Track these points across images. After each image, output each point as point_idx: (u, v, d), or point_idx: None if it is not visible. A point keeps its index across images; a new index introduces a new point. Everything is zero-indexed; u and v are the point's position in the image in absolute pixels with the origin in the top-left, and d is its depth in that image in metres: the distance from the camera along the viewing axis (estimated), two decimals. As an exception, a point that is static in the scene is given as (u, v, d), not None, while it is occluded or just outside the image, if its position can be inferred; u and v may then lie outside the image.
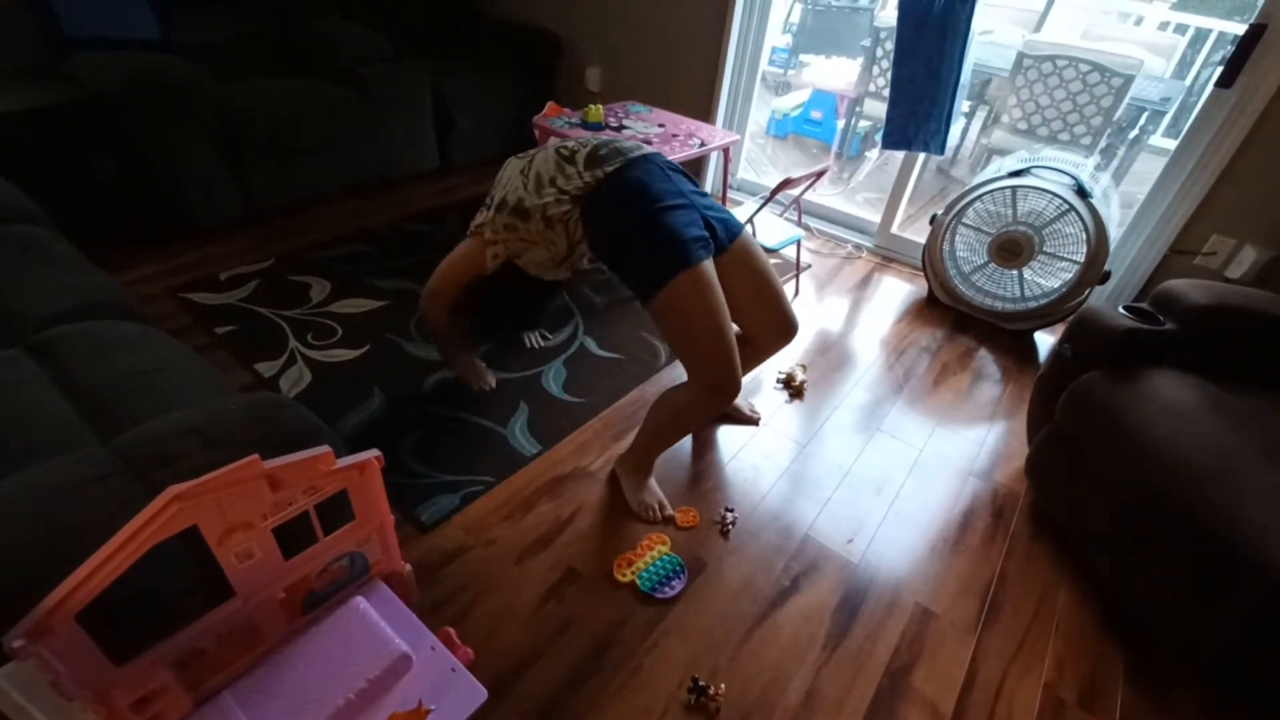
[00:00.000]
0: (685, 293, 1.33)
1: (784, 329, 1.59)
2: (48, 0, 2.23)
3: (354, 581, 0.94)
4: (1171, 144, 2.43)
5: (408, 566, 1.00)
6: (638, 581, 1.40)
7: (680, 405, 1.46)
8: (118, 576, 0.64)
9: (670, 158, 2.34)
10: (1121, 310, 1.53)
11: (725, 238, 1.46)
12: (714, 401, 1.41)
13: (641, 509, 1.56)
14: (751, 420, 1.88)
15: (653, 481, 1.60)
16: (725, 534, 1.55)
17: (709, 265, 1.37)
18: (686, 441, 1.80)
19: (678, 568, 1.43)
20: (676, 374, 2.04)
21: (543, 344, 2.06)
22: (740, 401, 1.89)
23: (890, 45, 3.12)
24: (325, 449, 0.77)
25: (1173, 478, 1.24)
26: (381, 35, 2.84)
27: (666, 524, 1.55)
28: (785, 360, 2.17)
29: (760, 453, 1.79)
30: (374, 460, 0.83)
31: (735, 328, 1.49)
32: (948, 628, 1.39)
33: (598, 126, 2.55)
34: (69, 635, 0.64)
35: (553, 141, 1.53)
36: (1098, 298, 2.43)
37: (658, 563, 1.44)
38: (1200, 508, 1.19)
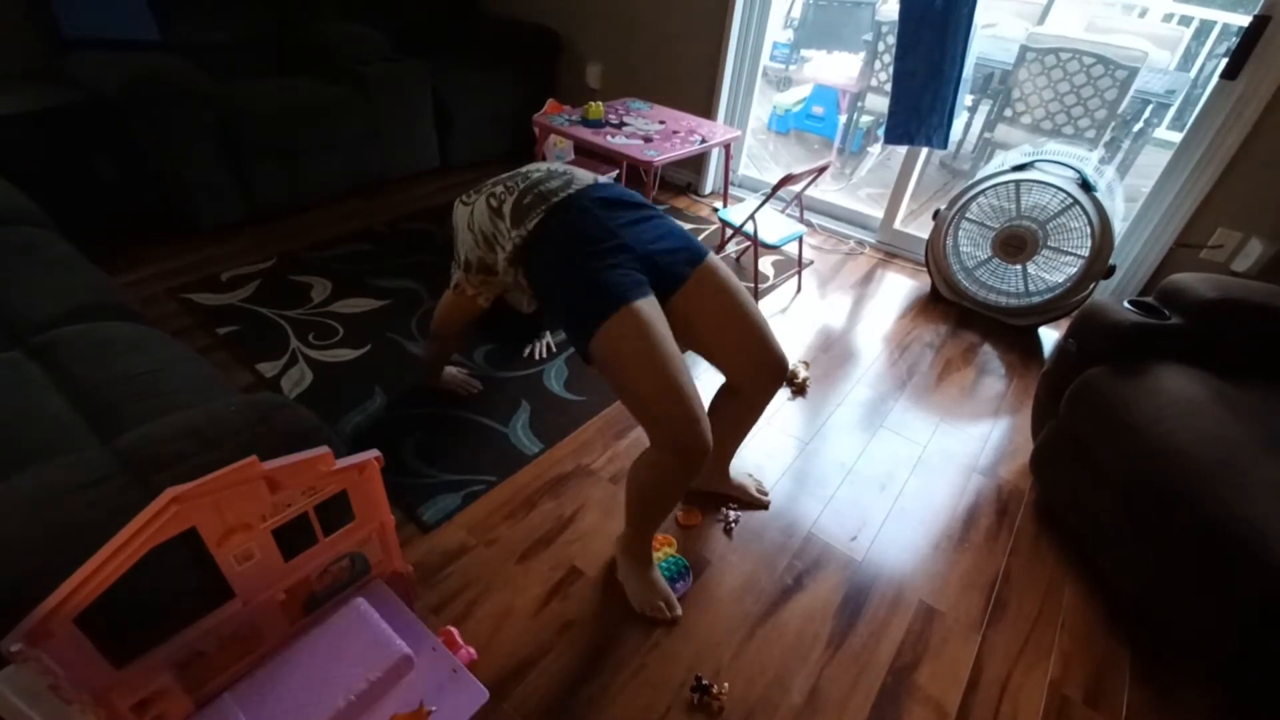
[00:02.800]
0: (614, 337, 1.14)
1: (770, 366, 1.34)
2: (49, 1, 2.23)
3: (355, 582, 0.93)
4: (1176, 137, 2.40)
5: (409, 567, 1.00)
6: (640, 580, 1.39)
7: (649, 477, 1.23)
8: (117, 579, 0.64)
9: (671, 154, 2.36)
10: (1127, 305, 1.51)
11: (684, 267, 1.28)
12: (682, 465, 1.16)
13: (644, 608, 1.34)
14: (761, 504, 1.60)
15: (656, 574, 1.37)
16: (728, 532, 1.54)
17: (644, 305, 1.16)
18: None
19: (683, 569, 1.43)
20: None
21: (547, 355, 2.04)
22: (745, 479, 1.62)
23: (892, 39, 3.10)
24: (324, 450, 0.76)
25: (1179, 473, 1.23)
26: (381, 34, 2.84)
27: (674, 624, 1.33)
28: (788, 357, 2.15)
29: (763, 451, 1.78)
30: (373, 461, 0.83)
31: (716, 376, 1.36)
32: (952, 625, 1.39)
33: (598, 124, 2.54)
34: (68, 638, 0.64)
35: (486, 187, 1.41)
36: (1102, 292, 2.41)
37: (664, 564, 1.43)
38: (1207, 503, 1.18)
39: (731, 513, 1.57)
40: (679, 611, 1.35)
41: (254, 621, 0.81)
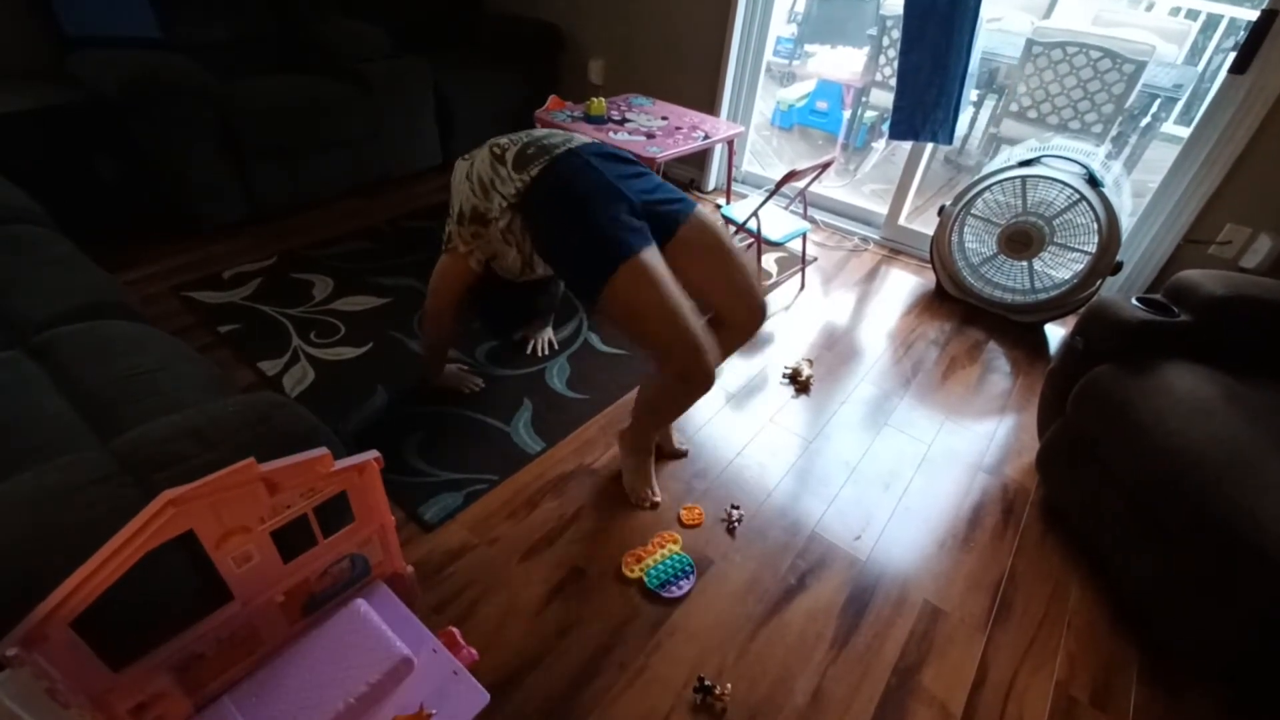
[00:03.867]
0: (626, 287, 1.26)
1: (755, 305, 1.47)
2: (49, -1, 2.22)
3: (355, 583, 0.93)
4: (1184, 131, 2.38)
5: (409, 568, 0.99)
6: (645, 579, 1.38)
7: (656, 393, 1.45)
8: (113, 582, 0.63)
9: (674, 150, 2.34)
10: (1135, 302, 1.50)
11: (671, 220, 1.39)
12: (686, 391, 1.37)
13: (630, 491, 1.57)
14: (679, 453, 1.71)
15: (650, 466, 1.59)
16: (731, 532, 1.53)
17: (650, 254, 1.29)
18: (694, 439, 1.78)
19: (687, 568, 1.42)
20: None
21: (549, 352, 2.03)
22: (670, 431, 1.70)
23: (897, 34, 3.08)
24: (323, 451, 0.76)
25: (1188, 472, 1.22)
26: (382, 31, 2.82)
27: (653, 509, 1.55)
28: (791, 355, 2.15)
29: (766, 449, 1.77)
30: (373, 462, 0.82)
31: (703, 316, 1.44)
32: (957, 626, 1.37)
33: (600, 120, 2.52)
34: (64, 642, 0.63)
35: (488, 142, 1.49)
36: (1109, 289, 2.39)
37: (667, 561, 1.43)
38: (1216, 502, 1.16)
39: (735, 511, 1.56)
40: (659, 499, 1.57)
41: (253, 624, 0.81)
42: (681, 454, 1.72)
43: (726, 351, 1.56)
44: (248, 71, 2.57)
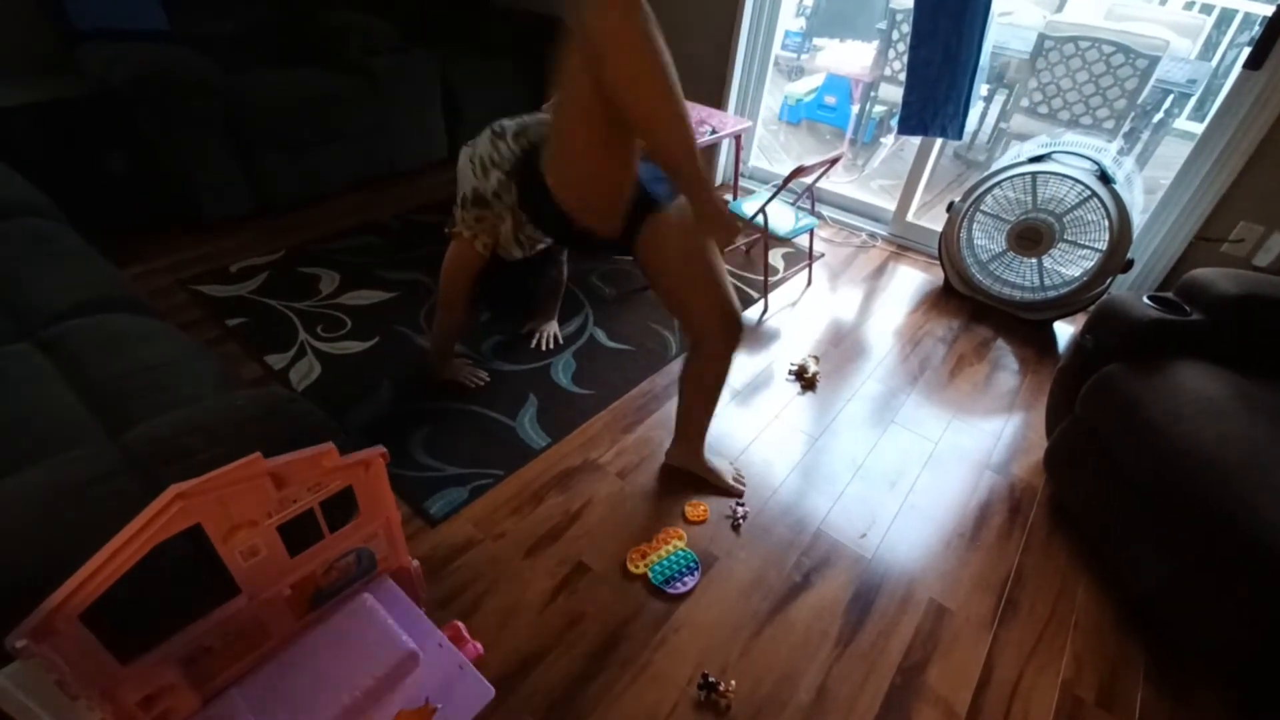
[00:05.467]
0: (675, 226, 1.30)
1: (731, 317, 1.37)
2: (57, -8, 2.23)
3: (361, 578, 0.93)
4: (1197, 127, 2.35)
5: (415, 562, 1.00)
6: (650, 575, 1.38)
7: (711, 371, 1.46)
8: (121, 575, 0.63)
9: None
10: (1146, 300, 1.48)
11: (666, 198, 1.35)
12: (725, 339, 1.38)
13: (729, 479, 1.60)
14: (735, 492, 1.61)
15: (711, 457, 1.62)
16: (736, 528, 1.53)
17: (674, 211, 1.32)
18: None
19: (692, 563, 1.42)
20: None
21: (554, 347, 2.03)
22: (723, 464, 1.64)
23: (906, 28, 3.05)
24: (329, 445, 0.76)
25: (1199, 473, 1.21)
26: (389, 24, 2.82)
27: (740, 494, 1.60)
28: (797, 351, 2.14)
29: (772, 446, 1.77)
30: (379, 456, 0.82)
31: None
32: (963, 624, 1.37)
33: (607, 114, 2.51)
34: (73, 634, 0.63)
35: (491, 124, 1.51)
36: (1120, 287, 2.37)
37: (673, 557, 1.43)
38: (1227, 503, 1.15)
39: (740, 508, 1.56)
40: (744, 481, 1.63)
41: (260, 618, 0.81)
42: (738, 493, 1.61)
43: (712, 381, 1.49)
44: (255, 64, 2.57)
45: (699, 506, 1.56)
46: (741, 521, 1.54)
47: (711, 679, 1.20)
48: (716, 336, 1.39)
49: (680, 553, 1.44)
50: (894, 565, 1.48)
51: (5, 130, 2.02)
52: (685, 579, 1.39)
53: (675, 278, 1.37)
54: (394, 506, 0.89)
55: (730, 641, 1.29)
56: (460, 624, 0.97)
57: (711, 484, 1.62)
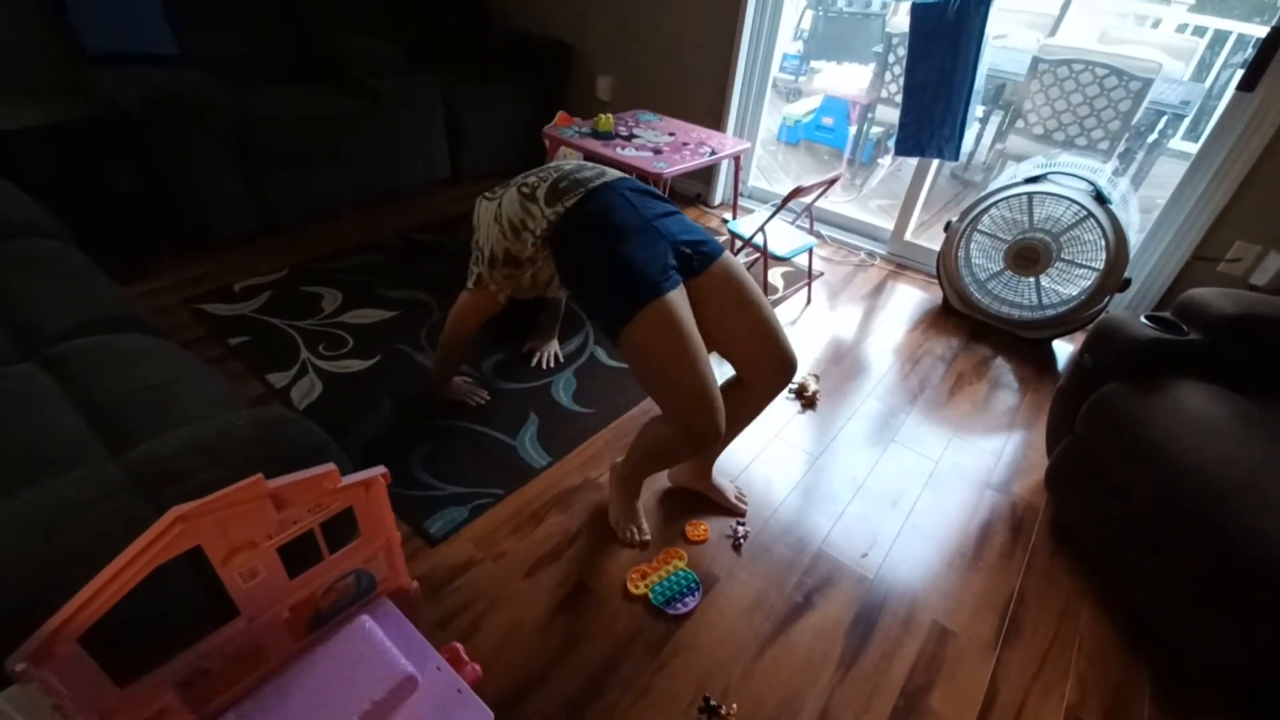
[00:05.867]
0: (649, 328, 1.22)
1: (780, 360, 1.38)
2: (68, 16, 2.27)
3: (360, 599, 0.93)
4: (1191, 147, 2.37)
5: (415, 583, 0.99)
6: (650, 595, 1.38)
7: (658, 440, 1.36)
8: (121, 598, 0.64)
9: (681, 166, 2.36)
10: (1143, 319, 1.49)
11: (700, 262, 1.34)
12: (691, 444, 1.28)
13: (617, 527, 1.51)
14: (738, 510, 1.60)
15: (639, 505, 1.53)
16: (737, 548, 1.52)
17: (676, 297, 1.25)
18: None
19: (693, 584, 1.41)
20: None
21: (554, 366, 2.04)
22: (725, 483, 1.63)
23: (903, 51, 3.09)
24: (330, 467, 0.76)
25: (1200, 493, 1.20)
26: (395, 47, 2.87)
27: (641, 549, 1.49)
28: (798, 370, 2.14)
29: (772, 465, 1.77)
30: (379, 477, 0.82)
31: (727, 370, 1.42)
32: (966, 646, 1.36)
33: (608, 135, 2.55)
34: (72, 658, 0.63)
35: (515, 180, 1.48)
36: (1118, 305, 2.38)
37: (673, 577, 1.42)
38: (1228, 522, 1.15)
39: (740, 528, 1.56)
40: (648, 538, 1.50)
41: (258, 640, 0.81)
42: (740, 512, 1.60)
43: (750, 414, 1.47)
44: (262, 86, 2.61)
45: (699, 526, 1.55)
46: (742, 541, 1.53)
47: (713, 702, 1.19)
48: (769, 377, 1.40)
49: (681, 573, 1.43)
50: (896, 585, 1.47)
51: (16, 151, 2.05)
52: (686, 600, 1.38)
53: (732, 324, 1.37)
54: (394, 527, 0.89)
55: (732, 663, 1.28)
56: (459, 646, 0.97)
57: (716, 502, 1.61)
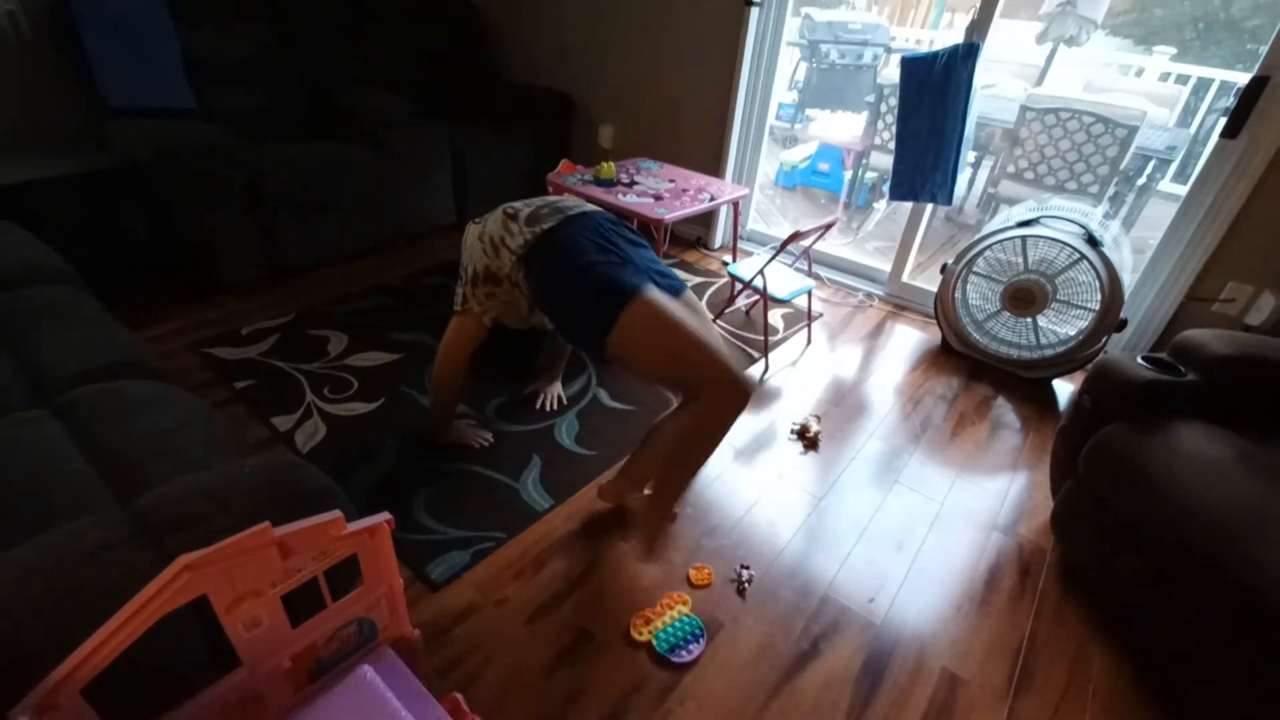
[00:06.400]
0: (638, 320, 1.30)
1: (740, 384, 1.34)
2: (93, 72, 2.37)
3: (361, 648, 0.92)
4: (1181, 189, 2.43)
5: (416, 631, 0.98)
6: (654, 642, 1.35)
7: (688, 429, 1.34)
8: (126, 648, 0.63)
9: (681, 212, 2.42)
10: (1140, 361, 1.51)
11: (673, 291, 1.44)
12: (727, 409, 1.32)
13: (655, 546, 1.53)
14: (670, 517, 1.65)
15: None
16: (741, 593, 1.50)
17: (655, 290, 1.34)
18: (703, 496, 1.77)
19: (697, 630, 1.39)
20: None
21: (557, 408, 2.05)
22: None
23: (894, 101, 3.20)
24: (336, 514, 0.76)
25: (1207, 536, 1.20)
26: (404, 99, 2.98)
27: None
28: (799, 410, 2.15)
29: (775, 506, 1.76)
30: (384, 524, 0.82)
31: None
32: (977, 694, 1.33)
33: (610, 183, 2.62)
34: (75, 709, 0.63)
35: (503, 205, 1.58)
36: (1115, 345, 2.40)
37: (677, 623, 1.40)
38: (1237, 566, 1.14)
39: (745, 571, 1.54)
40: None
41: (259, 690, 0.80)
42: (671, 518, 1.66)
43: (701, 441, 1.41)
44: (276, 138, 2.70)
45: (703, 570, 1.54)
46: (746, 585, 1.51)
47: (718, 755, 1.16)
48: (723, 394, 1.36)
49: (685, 619, 1.41)
50: (904, 631, 1.45)
51: (36, 200, 2.11)
52: (690, 647, 1.36)
53: (669, 349, 1.35)
54: (398, 575, 0.89)
55: (738, 714, 1.25)
56: (459, 696, 0.95)
57: (636, 509, 1.67)
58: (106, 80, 2.41)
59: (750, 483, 1.83)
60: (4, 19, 2.30)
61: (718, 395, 1.31)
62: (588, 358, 2.19)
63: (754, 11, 2.74)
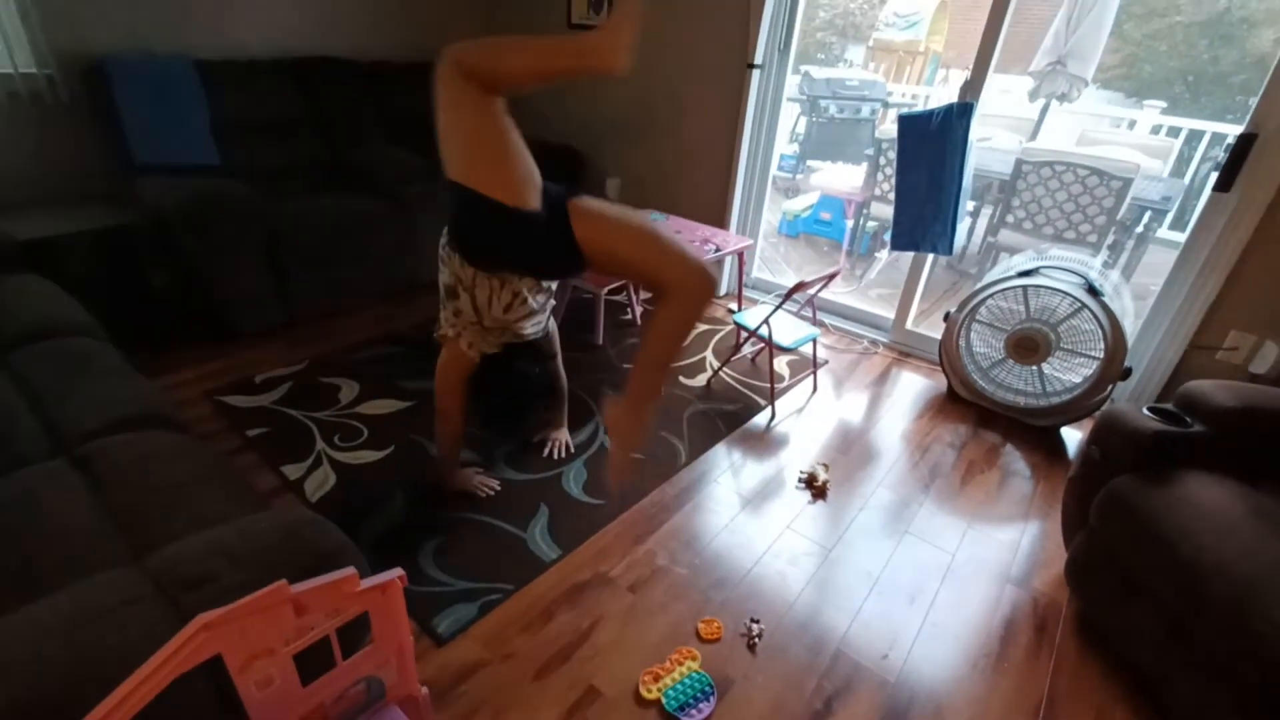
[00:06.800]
0: (586, 202, 1.39)
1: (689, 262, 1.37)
2: (123, 132, 2.48)
3: (369, 707, 0.91)
4: (1180, 236, 2.46)
5: (424, 689, 0.97)
6: (664, 700, 1.33)
7: (672, 320, 1.32)
8: (141, 709, 0.64)
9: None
10: (1146, 411, 1.51)
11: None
12: (693, 304, 1.30)
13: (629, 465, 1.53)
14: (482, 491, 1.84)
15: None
16: (752, 648, 1.48)
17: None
18: (711, 546, 1.75)
19: (707, 688, 1.36)
20: (702, 471, 2.03)
21: (565, 455, 2.06)
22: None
23: (892, 154, 3.30)
24: (350, 571, 0.77)
25: (1222, 590, 1.18)
26: (420, 156, 3.08)
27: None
28: (806, 458, 2.15)
29: (785, 557, 1.74)
30: (396, 581, 0.83)
31: None
32: (997, 758, 1.29)
33: (617, 234, 2.68)
34: (86, 773, 0.62)
35: None
36: (1121, 394, 2.40)
37: (686, 680, 1.37)
38: (1255, 621, 1.12)
39: (755, 625, 1.52)
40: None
41: (266, 752, 0.79)
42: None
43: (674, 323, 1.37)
44: (298, 193, 2.79)
45: (713, 624, 1.52)
46: (757, 640, 1.49)
47: (731, 822, 1.12)
48: (687, 283, 1.33)
49: (695, 675, 1.39)
50: (920, 690, 1.41)
51: (61, 254, 2.18)
52: (700, 706, 1.33)
53: (626, 240, 1.38)
54: (408, 632, 0.89)
55: (750, 778, 1.22)
56: (468, 759, 0.94)
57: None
58: (136, 139, 2.52)
59: (758, 533, 1.82)
60: (42, 83, 2.42)
61: (682, 281, 1.29)
62: (576, 279, 2.18)
63: (755, 73, 2.86)
